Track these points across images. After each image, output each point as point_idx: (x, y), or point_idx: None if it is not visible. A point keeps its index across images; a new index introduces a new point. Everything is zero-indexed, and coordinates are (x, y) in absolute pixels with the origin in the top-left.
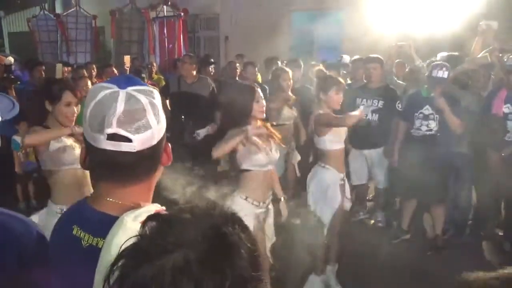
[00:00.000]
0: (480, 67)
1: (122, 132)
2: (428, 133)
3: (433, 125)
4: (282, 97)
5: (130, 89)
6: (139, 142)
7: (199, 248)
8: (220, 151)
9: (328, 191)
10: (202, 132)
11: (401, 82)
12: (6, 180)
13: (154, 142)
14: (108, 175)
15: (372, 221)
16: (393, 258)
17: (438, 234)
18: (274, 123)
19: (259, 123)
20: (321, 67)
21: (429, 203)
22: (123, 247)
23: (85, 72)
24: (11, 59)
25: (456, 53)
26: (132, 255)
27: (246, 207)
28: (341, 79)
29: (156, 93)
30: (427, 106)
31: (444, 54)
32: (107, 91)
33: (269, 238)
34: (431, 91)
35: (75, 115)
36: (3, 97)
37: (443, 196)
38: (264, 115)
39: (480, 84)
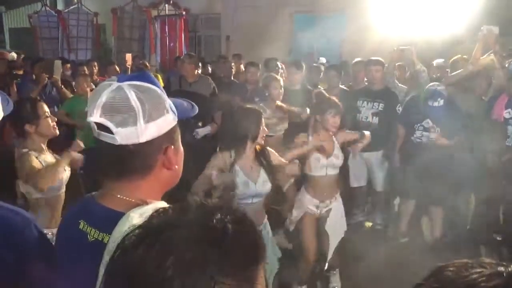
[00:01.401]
0: (482, 72)
1: (105, 122)
2: (429, 143)
3: (433, 136)
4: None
5: (125, 83)
6: (121, 135)
7: (190, 233)
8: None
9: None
10: (201, 131)
11: (402, 85)
12: (6, 176)
13: (141, 140)
14: (103, 169)
15: (370, 224)
16: (390, 261)
17: (436, 238)
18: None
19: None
20: (322, 90)
21: (428, 206)
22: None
23: (86, 70)
24: (14, 55)
25: (460, 56)
26: (132, 239)
27: None
28: (338, 103)
29: (157, 93)
30: (427, 120)
31: (440, 61)
32: (105, 83)
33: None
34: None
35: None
36: None
37: (442, 199)
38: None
39: (481, 88)
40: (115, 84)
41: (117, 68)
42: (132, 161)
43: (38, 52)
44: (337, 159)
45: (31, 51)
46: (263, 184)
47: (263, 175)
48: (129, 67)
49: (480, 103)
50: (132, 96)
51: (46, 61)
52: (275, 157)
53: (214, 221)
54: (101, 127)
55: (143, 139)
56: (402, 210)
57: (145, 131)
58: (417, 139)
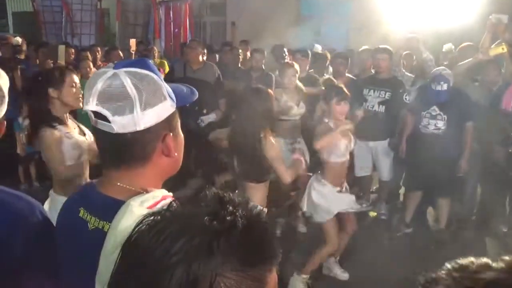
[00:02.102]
0: (491, 61)
1: (101, 110)
2: (435, 131)
3: (440, 124)
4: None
5: (121, 70)
6: (118, 124)
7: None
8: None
9: (321, 203)
10: (206, 119)
11: (409, 74)
12: (8, 162)
13: (138, 128)
14: (102, 157)
15: (375, 213)
16: (395, 252)
17: (442, 229)
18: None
19: None
20: (330, 77)
21: (434, 197)
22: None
23: (89, 55)
24: (18, 39)
25: (467, 44)
26: (149, 223)
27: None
28: (344, 90)
29: (154, 80)
30: (434, 107)
31: (450, 45)
32: (101, 70)
33: None
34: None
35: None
36: None
37: (449, 190)
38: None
39: (490, 78)
40: (111, 71)
41: (121, 54)
42: (130, 149)
43: (42, 37)
44: (353, 144)
45: (34, 36)
46: None
47: None
48: (133, 52)
49: (489, 93)
50: (128, 83)
51: (51, 46)
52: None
53: (225, 212)
54: (98, 115)
55: (140, 127)
56: (408, 201)
57: (142, 118)
58: (424, 127)
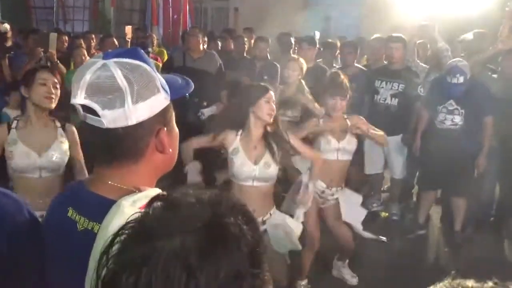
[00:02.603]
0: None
1: (90, 103)
2: (452, 127)
3: (458, 119)
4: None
5: (111, 60)
6: (108, 118)
7: (198, 236)
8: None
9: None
10: (207, 111)
11: (424, 65)
12: None
13: (130, 122)
14: (92, 154)
15: (387, 214)
16: (407, 254)
17: (457, 230)
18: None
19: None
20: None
21: (449, 196)
22: (130, 218)
23: (83, 42)
24: (7, 26)
25: (483, 31)
26: (133, 232)
27: None
28: (341, 84)
29: (146, 71)
30: (451, 101)
31: (468, 36)
32: (90, 60)
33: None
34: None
35: (53, 95)
36: None
37: (466, 189)
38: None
39: (510, 69)
40: (100, 62)
41: (116, 42)
42: (121, 145)
43: (31, 22)
44: (349, 144)
45: (24, 22)
46: (264, 167)
47: (266, 157)
48: (129, 40)
49: (508, 85)
50: (119, 75)
51: (42, 33)
52: (297, 143)
53: (231, 228)
54: (87, 109)
55: (132, 121)
56: (421, 200)
57: (134, 112)
58: (440, 123)
